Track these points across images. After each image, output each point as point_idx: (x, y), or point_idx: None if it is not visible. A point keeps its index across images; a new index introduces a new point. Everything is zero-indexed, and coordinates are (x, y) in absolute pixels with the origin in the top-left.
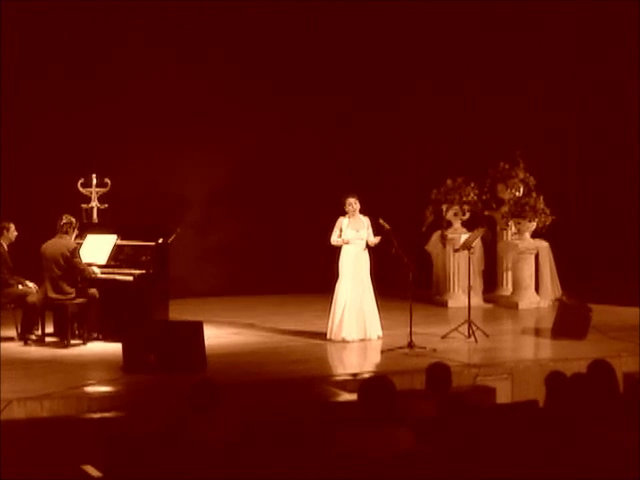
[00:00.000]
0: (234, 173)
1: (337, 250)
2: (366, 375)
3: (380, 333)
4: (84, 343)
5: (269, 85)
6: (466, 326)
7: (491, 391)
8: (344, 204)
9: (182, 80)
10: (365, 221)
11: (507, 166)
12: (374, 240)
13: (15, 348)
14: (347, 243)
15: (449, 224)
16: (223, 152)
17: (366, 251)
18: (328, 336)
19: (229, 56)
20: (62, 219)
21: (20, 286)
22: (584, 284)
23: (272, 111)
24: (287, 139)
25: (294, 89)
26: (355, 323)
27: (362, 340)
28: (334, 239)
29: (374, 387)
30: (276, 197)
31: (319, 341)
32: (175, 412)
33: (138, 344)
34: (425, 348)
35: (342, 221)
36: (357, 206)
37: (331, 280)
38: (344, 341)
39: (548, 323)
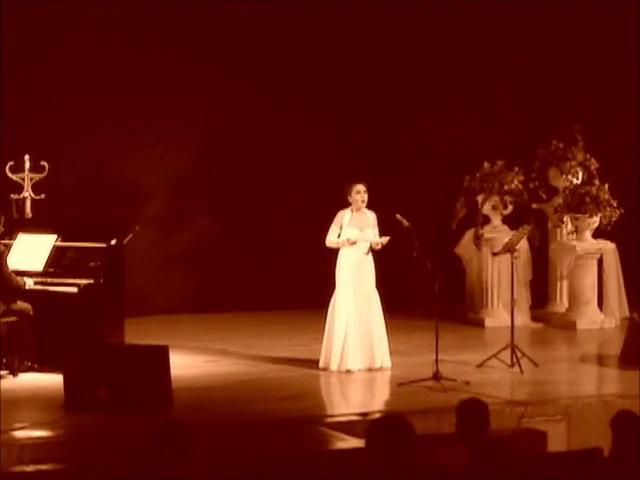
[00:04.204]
0: (207, 155)
1: (336, 255)
2: (378, 415)
3: (389, 363)
4: (14, 374)
5: (253, 42)
6: (508, 352)
7: (541, 436)
8: (348, 192)
9: (138, 37)
10: (372, 218)
11: (562, 145)
12: (380, 241)
13: None
14: (353, 244)
15: (486, 220)
16: (192, 128)
17: (370, 256)
18: (322, 365)
19: (200, 8)
20: None
21: None
22: None
23: (256, 77)
24: (276, 113)
25: (287, 49)
26: (360, 349)
27: (369, 370)
28: (332, 239)
29: (387, 430)
30: (262, 187)
31: (317, 371)
32: (132, 464)
33: (84, 375)
34: (455, 380)
35: (343, 216)
36: (366, 196)
37: (332, 294)
38: (349, 372)
39: (615, 349)
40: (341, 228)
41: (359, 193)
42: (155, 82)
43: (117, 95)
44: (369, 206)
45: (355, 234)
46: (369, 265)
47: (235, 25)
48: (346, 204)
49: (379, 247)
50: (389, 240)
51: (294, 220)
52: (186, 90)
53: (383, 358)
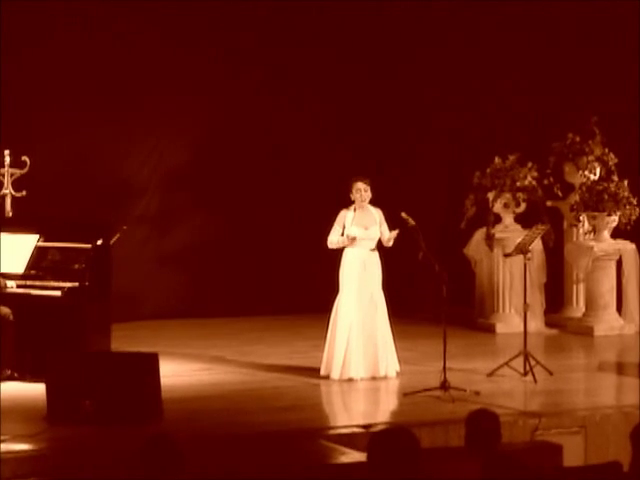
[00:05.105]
0: (202, 149)
1: (340, 255)
2: (381, 427)
3: (397, 368)
4: None
5: (254, 29)
6: (521, 360)
7: (556, 449)
8: (350, 190)
9: (127, 23)
10: (377, 215)
11: (578, 139)
12: (392, 236)
13: None
14: (353, 239)
15: (497, 219)
16: (187, 119)
17: (377, 255)
18: (324, 373)
19: None
20: None
21: None
22: None
23: (257, 66)
24: (278, 105)
25: (289, 38)
26: (363, 356)
27: (373, 379)
28: (333, 239)
29: (391, 443)
30: (260, 183)
31: (317, 380)
32: (119, 478)
33: (68, 385)
34: (465, 390)
35: (346, 215)
36: (368, 194)
37: (334, 297)
38: (351, 381)
39: (635, 356)
40: (344, 227)
41: (359, 191)
42: (145, 69)
43: (104, 84)
44: (374, 203)
45: (360, 233)
46: (375, 266)
47: (234, 11)
48: (350, 202)
49: (391, 244)
50: (398, 234)
51: (294, 219)
52: (180, 77)
53: (388, 366)
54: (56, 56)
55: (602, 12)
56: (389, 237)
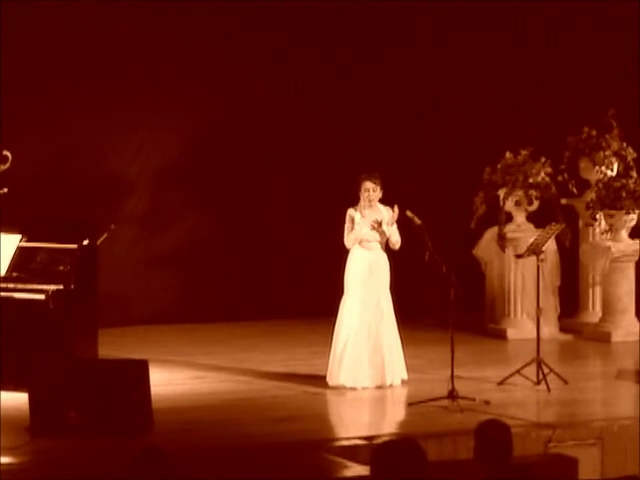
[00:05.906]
0: (196, 143)
1: (343, 257)
2: (386, 438)
3: (405, 376)
4: None
5: (255, 16)
6: (534, 367)
7: (572, 462)
8: (359, 189)
9: (113, 15)
10: (386, 214)
11: (594, 133)
12: (393, 217)
13: None
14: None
15: (509, 218)
16: (179, 111)
17: (385, 257)
18: (327, 378)
19: None
20: None
21: None
22: None
23: (257, 56)
24: (278, 97)
25: (293, 28)
26: (368, 364)
27: (379, 388)
28: (351, 237)
29: (395, 455)
30: (258, 180)
31: (318, 389)
32: None
33: (52, 394)
34: (474, 400)
35: (353, 214)
36: (377, 194)
37: (335, 301)
38: (342, 388)
39: None
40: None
41: (367, 191)
42: (134, 61)
43: (90, 77)
44: (382, 202)
45: (367, 233)
46: (382, 269)
47: (228, 4)
48: (356, 199)
49: (396, 240)
50: (398, 215)
51: (292, 220)
52: (172, 67)
53: (394, 375)
54: (40, 48)
55: (616, 5)
56: (392, 215)
